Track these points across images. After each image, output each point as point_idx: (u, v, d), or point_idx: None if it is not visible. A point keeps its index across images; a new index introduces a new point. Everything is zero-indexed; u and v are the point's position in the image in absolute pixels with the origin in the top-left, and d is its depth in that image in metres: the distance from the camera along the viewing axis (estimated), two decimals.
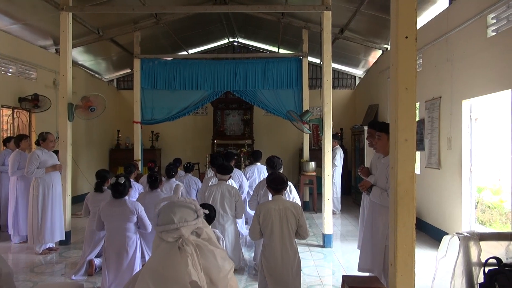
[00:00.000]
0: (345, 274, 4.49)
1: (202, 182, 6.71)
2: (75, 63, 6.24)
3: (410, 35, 2.57)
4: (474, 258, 2.58)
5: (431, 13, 6.54)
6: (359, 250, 4.02)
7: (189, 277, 1.67)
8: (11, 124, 7.23)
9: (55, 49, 8.46)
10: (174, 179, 5.91)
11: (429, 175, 6.37)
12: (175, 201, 1.92)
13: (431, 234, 6.24)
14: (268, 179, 3.66)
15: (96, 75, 11.02)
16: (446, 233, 5.49)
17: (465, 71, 5.35)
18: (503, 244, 2.67)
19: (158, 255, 1.80)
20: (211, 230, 2.02)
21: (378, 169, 3.46)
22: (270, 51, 12.14)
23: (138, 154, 8.83)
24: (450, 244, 2.69)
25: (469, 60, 5.24)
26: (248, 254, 5.44)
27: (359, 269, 3.69)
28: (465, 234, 2.62)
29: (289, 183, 4.18)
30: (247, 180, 6.71)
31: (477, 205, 5.88)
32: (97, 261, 4.64)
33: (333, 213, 6.36)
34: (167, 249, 1.78)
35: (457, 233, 2.68)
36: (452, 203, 5.65)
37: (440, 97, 6.00)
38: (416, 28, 2.59)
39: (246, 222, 6.94)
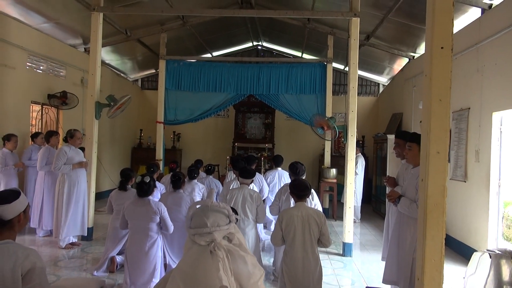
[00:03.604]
0: (366, 285, 4.42)
1: (222, 184, 6.73)
2: (102, 62, 6.37)
3: (446, 46, 2.52)
4: (505, 277, 2.50)
5: (462, 22, 6.41)
6: (382, 262, 3.95)
7: (220, 281, 1.68)
8: (40, 120, 7.43)
9: (84, 48, 8.67)
10: (195, 181, 5.94)
11: (454, 187, 6.22)
12: (209, 205, 1.93)
13: (454, 248, 6.08)
14: (291, 185, 3.63)
15: (122, 74, 11.22)
16: (471, 248, 5.38)
17: (497, 82, 5.21)
18: None
19: (190, 258, 1.81)
20: (242, 236, 2.03)
21: (407, 180, 3.39)
22: (294, 56, 12.13)
23: (160, 154, 8.94)
24: (480, 261, 2.62)
25: (501, 71, 5.11)
26: (266, 259, 5.42)
27: (384, 281, 3.59)
28: (497, 251, 2.54)
29: (312, 190, 4.15)
30: (268, 185, 6.70)
31: (502, 220, 5.70)
32: (118, 259, 4.71)
33: (353, 221, 6.28)
34: (198, 252, 1.80)
35: (488, 250, 2.60)
36: (478, 218, 5.50)
37: (469, 108, 5.87)
38: (452, 39, 2.53)
39: (265, 227, 6.93)
